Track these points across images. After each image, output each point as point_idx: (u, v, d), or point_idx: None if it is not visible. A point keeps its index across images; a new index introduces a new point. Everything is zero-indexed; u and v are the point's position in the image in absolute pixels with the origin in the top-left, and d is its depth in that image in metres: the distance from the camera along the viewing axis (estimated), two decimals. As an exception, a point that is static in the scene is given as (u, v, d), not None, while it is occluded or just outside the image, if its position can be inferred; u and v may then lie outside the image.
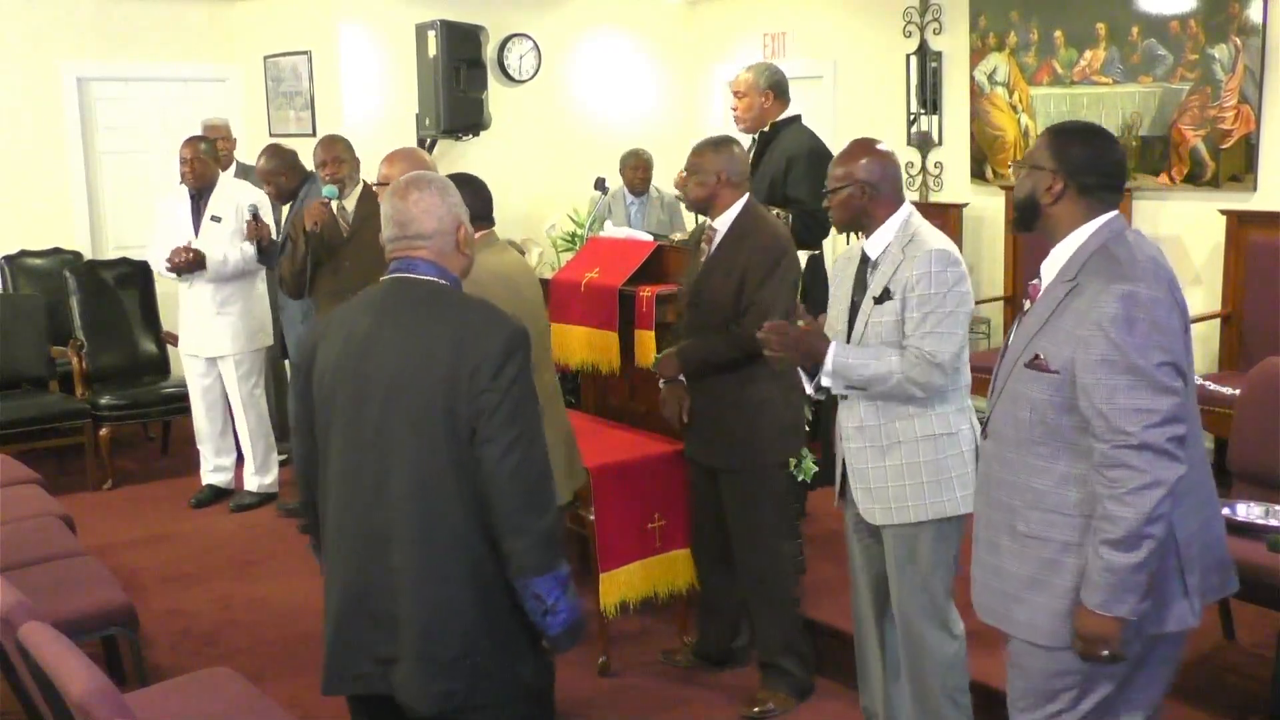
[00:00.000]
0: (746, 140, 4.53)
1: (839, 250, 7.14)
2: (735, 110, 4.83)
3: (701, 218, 3.96)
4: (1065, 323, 2.37)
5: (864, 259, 3.16)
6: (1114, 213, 2.45)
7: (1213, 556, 2.48)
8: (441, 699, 2.35)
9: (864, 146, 3.16)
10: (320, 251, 4.99)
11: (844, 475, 3.25)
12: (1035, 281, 2.51)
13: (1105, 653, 2.35)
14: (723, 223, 3.71)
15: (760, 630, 3.84)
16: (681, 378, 3.79)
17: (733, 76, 4.91)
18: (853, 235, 3.30)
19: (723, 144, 3.73)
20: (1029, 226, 2.52)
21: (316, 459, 2.48)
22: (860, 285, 3.16)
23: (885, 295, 3.05)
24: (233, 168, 6.56)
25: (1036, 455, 2.43)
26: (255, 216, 5.54)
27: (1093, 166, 2.43)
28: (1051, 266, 2.47)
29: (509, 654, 2.41)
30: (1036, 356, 2.41)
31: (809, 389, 3.19)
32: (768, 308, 3.52)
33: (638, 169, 7.17)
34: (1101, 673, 2.41)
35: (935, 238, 3.10)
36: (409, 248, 2.44)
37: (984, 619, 2.61)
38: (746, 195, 3.73)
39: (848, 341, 3.13)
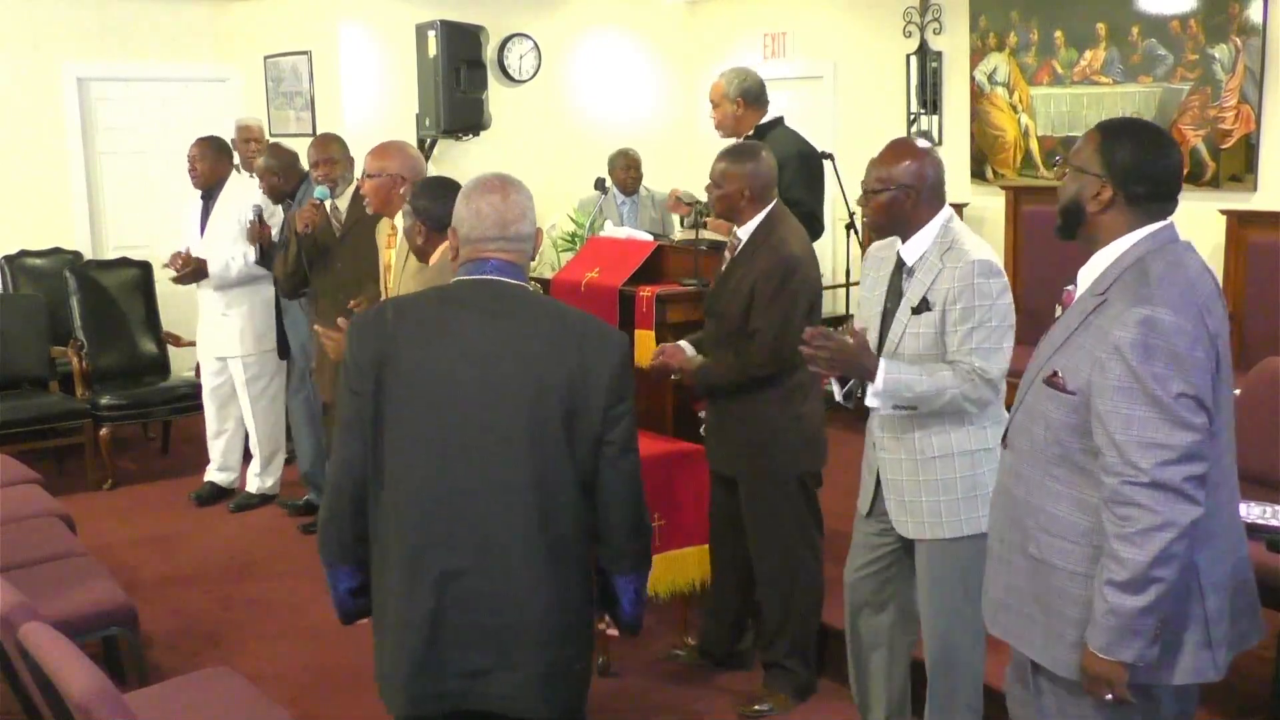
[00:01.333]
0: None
1: (837, 251, 7.19)
2: (713, 118, 4.79)
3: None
4: (1087, 340, 2.21)
5: (899, 264, 3.06)
6: (1163, 223, 2.24)
7: (1242, 602, 2.31)
8: (562, 707, 2.32)
9: (905, 147, 3.02)
10: (313, 252, 4.98)
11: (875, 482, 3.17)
12: (1070, 288, 2.36)
13: (1109, 696, 2.22)
14: (745, 232, 3.63)
15: (770, 633, 3.81)
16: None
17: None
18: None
19: (745, 156, 3.61)
20: (1073, 234, 2.32)
21: (371, 462, 2.31)
22: (895, 291, 3.06)
23: (924, 306, 2.96)
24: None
25: (1051, 477, 2.30)
26: (259, 218, 5.46)
27: (1145, 174, 2.23)
28: (1088, 275, 2.30)
29: (590, 661, 2.44)
30: (1055, 374, 2.25)
31: (838, 397, 3.10)
32: (773, 334, 3.48)
33: (629, 169, 7.07)
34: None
35: (976, 246, 2.98)
36: (503, 249, 2.35)
37: (992, 631, 2.52)
38: (771, 205, 3.62)
39: (880, 349, 3.03)
